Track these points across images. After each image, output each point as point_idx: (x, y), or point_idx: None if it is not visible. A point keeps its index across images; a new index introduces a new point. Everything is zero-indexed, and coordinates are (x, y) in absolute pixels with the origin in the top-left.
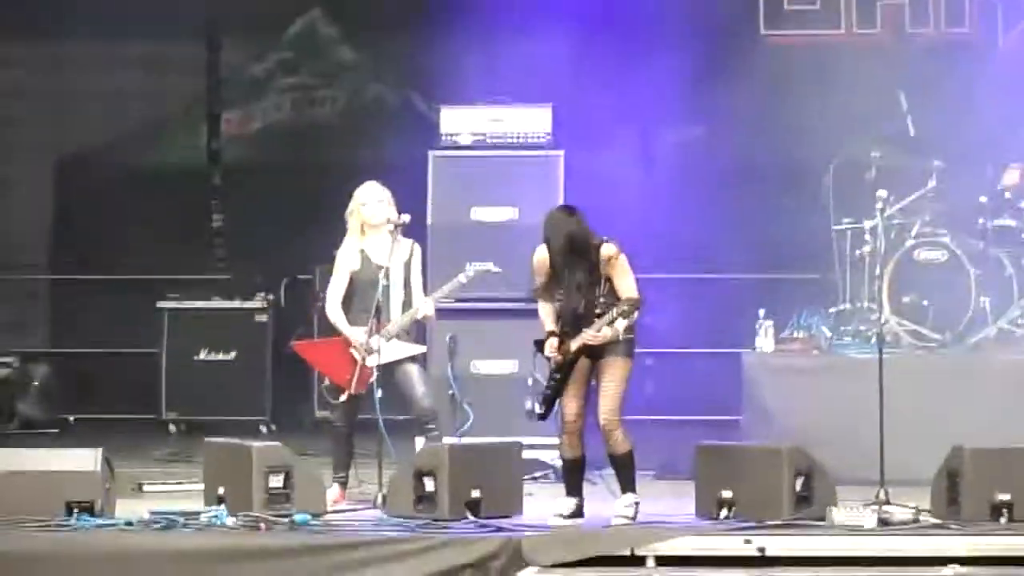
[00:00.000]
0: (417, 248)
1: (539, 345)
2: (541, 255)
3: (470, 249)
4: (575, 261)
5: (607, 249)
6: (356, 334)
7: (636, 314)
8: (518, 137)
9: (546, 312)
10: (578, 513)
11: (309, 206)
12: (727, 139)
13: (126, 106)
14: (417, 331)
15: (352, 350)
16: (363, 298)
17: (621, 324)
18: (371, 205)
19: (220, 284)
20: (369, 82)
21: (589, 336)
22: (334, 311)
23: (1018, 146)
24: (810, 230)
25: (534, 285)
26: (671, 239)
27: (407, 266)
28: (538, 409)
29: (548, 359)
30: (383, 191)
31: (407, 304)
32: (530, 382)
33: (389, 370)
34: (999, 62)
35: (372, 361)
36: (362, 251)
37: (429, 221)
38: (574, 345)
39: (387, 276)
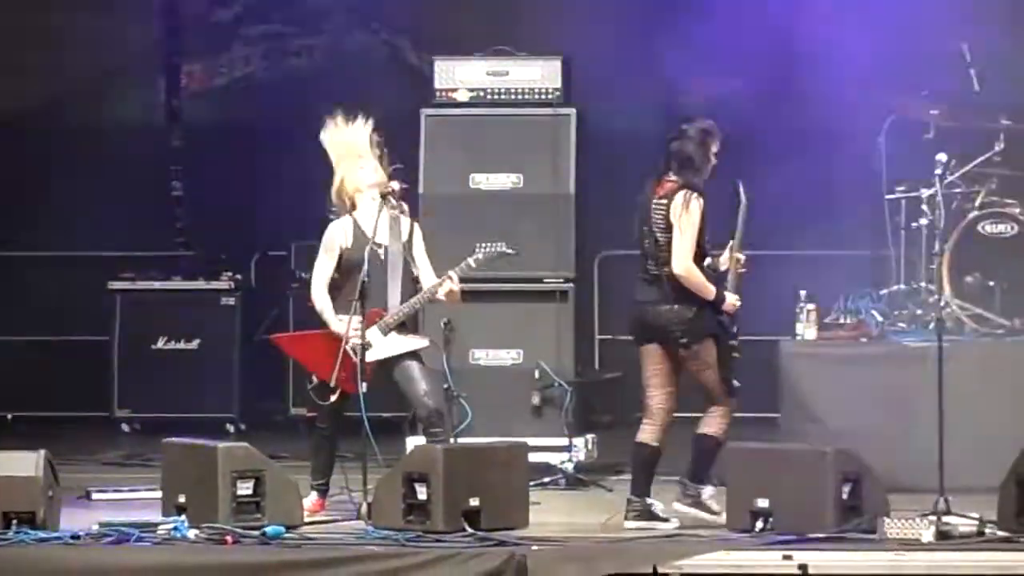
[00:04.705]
0: (417, 226)
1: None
2: None
3: (467, 222)
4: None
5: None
6: (342, 326)
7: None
8: (524, 93)
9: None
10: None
11: (283, 172)
12: (765, 94)
13: (69, 56)
14: (415, 323)
15: (344, 344)
16: (355, 283)
17: None
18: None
19: (181, 262)
20: (352, 30)
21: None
22: (320, 297)
23: None
24: (859, 199)
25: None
26: None
27: (407, 246)
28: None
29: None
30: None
31: (407, 290)
32: (537, 374)
33: (385, 365)
34: None
35: (367, 356)
36: (356, 226)
37: (421, 190)
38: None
39: (384, 255)
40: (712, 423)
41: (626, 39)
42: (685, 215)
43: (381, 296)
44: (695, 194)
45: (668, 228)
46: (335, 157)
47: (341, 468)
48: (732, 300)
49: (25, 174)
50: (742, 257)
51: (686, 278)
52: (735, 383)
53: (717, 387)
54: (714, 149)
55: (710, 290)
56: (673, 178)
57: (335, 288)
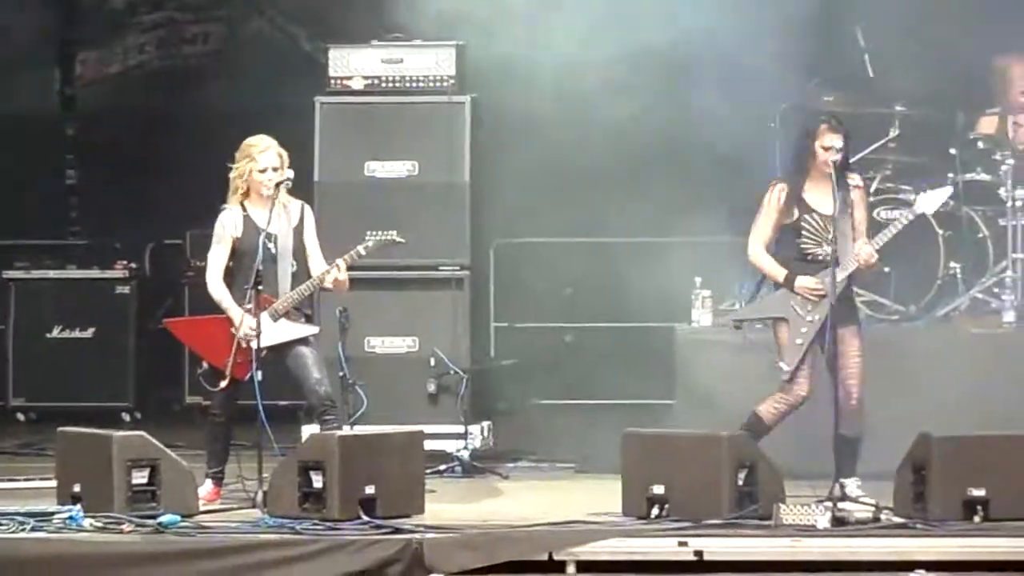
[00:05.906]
0: (309, 210)
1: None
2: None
3: (363, 210)
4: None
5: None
6: (242, 314)
7: None
8: (418, 81)
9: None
10: None
11: (178, 161)
12: (657, 80)
13: None
14: (309, 310)
15: (233, 330)
16: (246, 271)
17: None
18: (268, 173)
19: (75, 251)
20: (247, 17)
21: (866, 254)
22: (216, 286)
23: (994, 89)
24: (753, 186)
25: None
26: (595, 196)
27: (298, 232)
28: (786, 368)
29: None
30: (280, 155)
31: (298, 277)
32: (432, 362)
33: (277, 353)
34: None
35: (256, 343)
36: (245, 216)
37: (316, 178)
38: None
39: (273, 243)
40: (766, 403)
41: (522, 25)
42: (763, 202)
43: (271, 283)
44: (780, 184)
45: None
46: (260, 168)
47: (236, 457)
48: (803, 282)
49: None
50: (866, 257)
51: (752, 262)
52: (783, 365)
53: None
54: (822, 143)
55: (777, 273)
56: None
57: (228, 276)
